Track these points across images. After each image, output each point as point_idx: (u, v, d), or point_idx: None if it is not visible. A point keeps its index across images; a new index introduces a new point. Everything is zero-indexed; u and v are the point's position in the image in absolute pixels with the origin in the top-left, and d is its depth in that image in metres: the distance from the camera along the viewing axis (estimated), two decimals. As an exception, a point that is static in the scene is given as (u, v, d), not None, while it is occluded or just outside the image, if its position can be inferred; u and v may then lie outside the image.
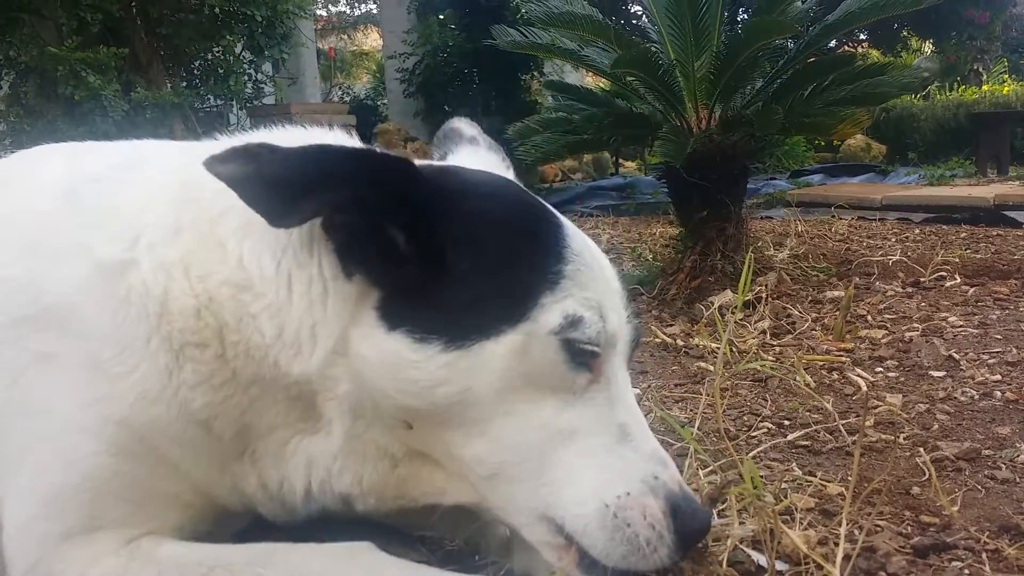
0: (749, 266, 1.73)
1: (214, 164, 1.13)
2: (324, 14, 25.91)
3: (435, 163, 1.45)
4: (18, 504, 1.36)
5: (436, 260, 1.24)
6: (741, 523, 1.68)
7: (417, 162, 1.34)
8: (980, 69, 15.61)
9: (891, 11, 4.44)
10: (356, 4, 28.89)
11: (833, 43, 9.09)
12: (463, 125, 1.82)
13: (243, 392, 1.35)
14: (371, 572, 1.31)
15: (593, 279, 1.29)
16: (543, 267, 1.26)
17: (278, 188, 1.14)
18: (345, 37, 28.40)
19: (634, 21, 13.49)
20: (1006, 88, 14.38)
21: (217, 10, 8.04)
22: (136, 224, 1.38)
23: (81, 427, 1.34)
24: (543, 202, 1.40)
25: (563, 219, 1.38)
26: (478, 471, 1.28)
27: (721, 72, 4.23)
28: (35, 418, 1.36)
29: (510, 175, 1.66)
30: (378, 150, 1.29)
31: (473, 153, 1.73)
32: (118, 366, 1.33)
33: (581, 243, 1.34)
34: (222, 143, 1.41)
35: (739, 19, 10.93)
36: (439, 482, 1.36)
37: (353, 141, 1.46)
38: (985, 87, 14.65)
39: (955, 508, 1.76)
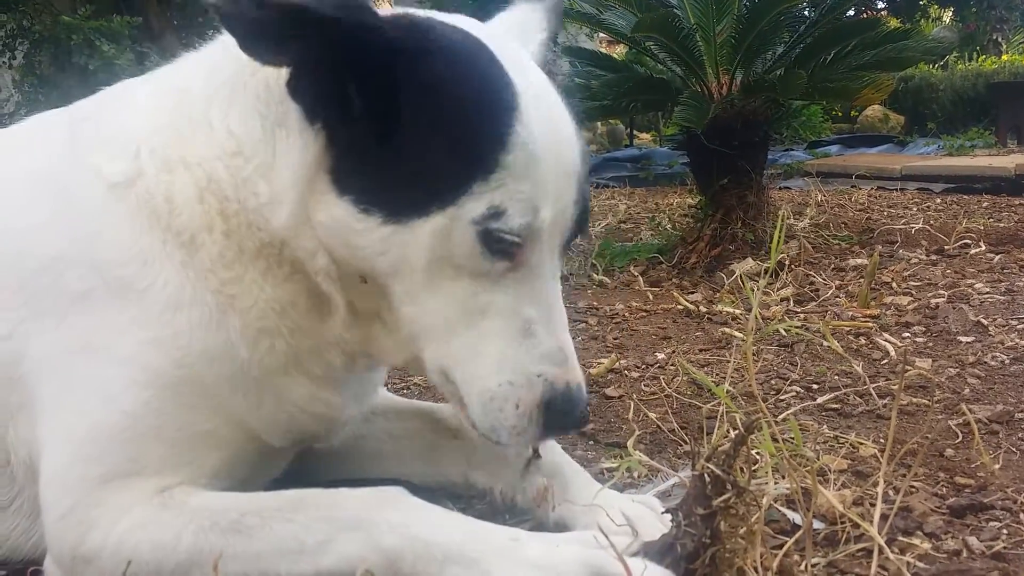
0: (781, 228, 1.69)
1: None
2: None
3: (411, 13, 1.40)
4: (58, 448, 1.38)
5: (387, 124, 1.27)
6: (776, 482, 1.66)
7: (390, 10, 1.38)
8: (999, 39, 15.41)
9: (916, -25, 4.37)
10: (368, -24, 28.72)
11: (851, 12, 8.98)
12: None
13: (253, 266, 1.39)
14: (403, 515, 1.30)
15: (535, 169, 1.29)
16: (483, 153, 1.27)
17: (254, 28, 1.20)
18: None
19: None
20: (1026, 58, 14.21)
21: (230, -22, 7.97)
22: (134, 138, 1.43)
23: (119, 359, 1.36)
24: (509, 75, 1.33)
25: (528, 90, 1.33)
26: (407, 329, 1.39)
27: (743, 36, 4.17)
28: (76, 358, 1.38)
29: (542, 37, 1.67)
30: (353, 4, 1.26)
31: (529, 11, 1.71)
32: (142, 281, 1.36)
33: (535, 127, 1.30)
34: (197, 58, 1.53)
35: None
36: (389, 342, 1.46)
37: None
38: (1005, 57, 14.47)
39: (997, 466, 1.73)
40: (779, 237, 1.63)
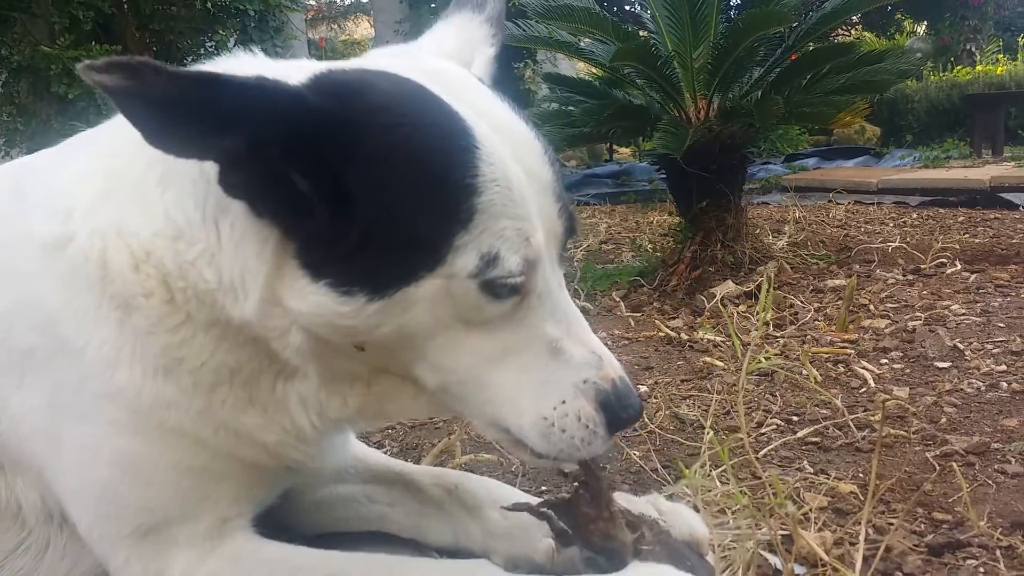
0: (769, 289, 1.73)
1: (90, 71, 0.98)
2: (313, 3, 25.76)
3: (333, 71, 1.27)
4: (77, 507, 1.43)
5: (344, 205, 1.18)
6: (757, 526, 1.69)
7: (317, 70, 1.26)
8: (973, 49, 15.58)
9: (888, -1, 4.44)
10: (346, -7, 28.74)
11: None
12: None
13: (204, 333, 1.35)
14: None
15: (512, 200, 1.23)
16: (455, 205, 1.19)
17: (162, 111, 1.06)
18: (335, 27, 28.26)
19: (627, 7, 13.47)
20: (1000, 68, 14.36)
21: (209, 5, 7.99)
22: (69, 199, 1.41)
23: (82, 414, 1.37)
24: (459, 114, 1.24)
25: (483, 122, 1.25)
26: (431, 387, 1.33)
27: (719, 62, 4.22)
28: (47, 416, 1.39)
29: (490, 52, 1.59)
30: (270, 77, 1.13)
31: (468, 22, 1.62)
32: (79, 340, 1.35)
33: (500, 159, 1.23)
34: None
35: (732, 2, 10.90)
36: (409, 395, 1.39)
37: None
38: (979, 67, 14.63)
39: (973, 514, 1.76)
40: (767, 297, 1.67)
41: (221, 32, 8.53)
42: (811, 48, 4.72)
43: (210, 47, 8.64)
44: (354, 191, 1.17)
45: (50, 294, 1.37)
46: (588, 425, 1.30)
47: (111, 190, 1.39)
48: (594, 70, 5.40)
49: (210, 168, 1.23)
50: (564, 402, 1.30)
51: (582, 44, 4.78)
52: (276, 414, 1.42)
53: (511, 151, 1.26)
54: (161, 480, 1.39)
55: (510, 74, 12.90)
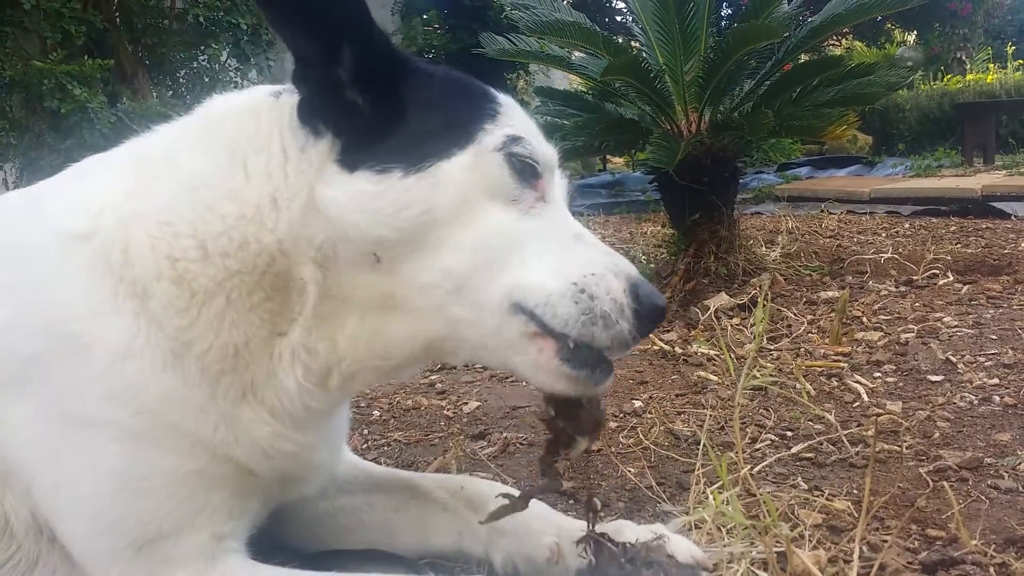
0: (765, 305, 1.73)
1: None
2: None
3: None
4: (72, 522, 1.42)
5: (391, 107, 1.39)
6: (751, 543, 1.69)
7: None
8: (964, 57, 15.66)
9: (876, 12, 4.47)
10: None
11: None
12: None
13: (208, 306, 1.40)
14: None
15: (525, 122, 1.48)
16: (483, 104, 1.44)
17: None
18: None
19: (618, 18, 13.52)
20: (990, 76, 14.44)
21: (202, 19, 8.01)
22: (99, 199, 1.46)
23: (84, 420, 1.37)
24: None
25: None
26: (447, 286, 1.35)
27: (710, 76, 4.24)
28: (48, 427, 1.39)
29: None
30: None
31: None
32: (88, 335, 1.36)
33: (513, 103, 1.51)
34: (163, 128, 1.58)
35: (723, 13, 10.95)
36: (405, 329, 1.41)
37: None
38: (969, 76, 14.70)
39: (965, 532, 1.76)
40: (763, 318, 1.68)
41: (214, 46, 8.55)
42: (801, 61, 4.75)
43: (203, 61, 8.67)
44: (401, 94, 1.40)
45: (65, 291, 1.39)
46: (617, 301, 1.33)
47: (140, 180, 1.47)
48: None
49: (244, 123, 1.46)
50: (594, 273, 1.35)
51: (573, 58, 4.80)
52: (267, 392, 1.45)
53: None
54: (159, 487, 1.39)
55: (502, 85, 12.93)
